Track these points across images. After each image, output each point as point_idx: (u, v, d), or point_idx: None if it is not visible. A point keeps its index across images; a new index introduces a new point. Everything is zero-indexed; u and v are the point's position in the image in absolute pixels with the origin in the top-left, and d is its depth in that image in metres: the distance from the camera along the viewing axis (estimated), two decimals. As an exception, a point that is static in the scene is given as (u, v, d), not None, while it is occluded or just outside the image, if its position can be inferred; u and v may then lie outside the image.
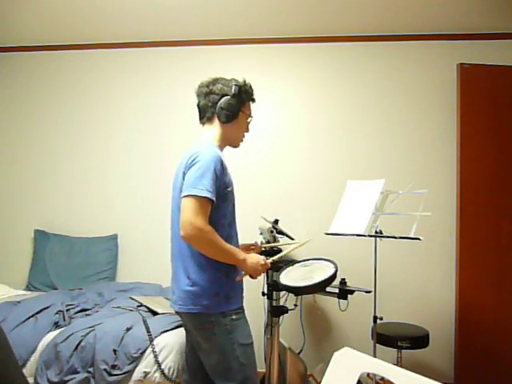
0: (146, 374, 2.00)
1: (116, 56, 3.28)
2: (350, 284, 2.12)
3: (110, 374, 1.97)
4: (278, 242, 2.36)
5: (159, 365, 2.00)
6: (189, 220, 1.48)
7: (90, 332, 2.09)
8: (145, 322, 2.15)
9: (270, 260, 1.73)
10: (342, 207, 2.33)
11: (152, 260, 3.05)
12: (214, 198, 1.53)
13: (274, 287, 2.08)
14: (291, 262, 2.07)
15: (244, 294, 1.73)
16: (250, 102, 1.80)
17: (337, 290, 2.10)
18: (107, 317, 2.24)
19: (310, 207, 3.04)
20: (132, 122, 3.24)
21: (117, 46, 3.26)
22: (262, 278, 2.22)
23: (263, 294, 2.18)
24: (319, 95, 3.13)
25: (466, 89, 2.86)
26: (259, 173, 3.12)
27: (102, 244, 3.11)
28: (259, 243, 1.94)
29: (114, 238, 3.15)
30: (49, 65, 3.33)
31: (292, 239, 2.27)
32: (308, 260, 2.05)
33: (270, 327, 2.19)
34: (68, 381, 1.98)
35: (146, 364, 2.01)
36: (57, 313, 2.31)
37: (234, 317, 1.61)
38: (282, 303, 2.22)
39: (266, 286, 2.15)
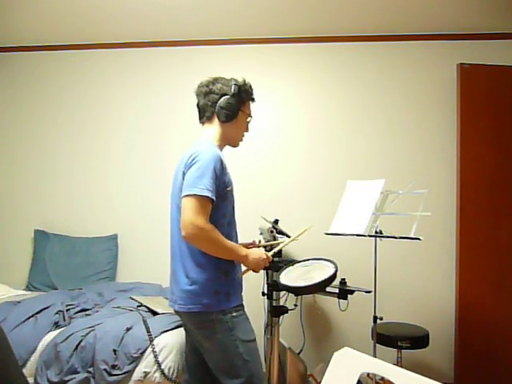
0: (146, 374, 2.00)
1: (116, 56, 3.29)
2: (350, 284, 2.11)
3: (110, 374, 1.97)
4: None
5: (159, 365, 2.00)
6: (190, 219, 1.48)
7: (90, 332, 2.09)
8: (145, 322, 2.15)
9: (271, 253, 1.74)
10: (342, 207, 2.33)
11: (152, 260, 3.05)
12: (214, 197, 1.53)
13: (273, 287, 2.07)
14: (291, 262, 2.07)
15: (244, 294, 1.73)
16: (250, 102, 1.80)
17: (337, 290, 2.09)
18: (107, 317, 2.24)
19: (310, 207, 3.04)
20: (132, 122, 3.25)
21: (117, 46, 3.26)
22: (262, 278, 2.23)
23: (263, 294, 2.17)
24: (319, 95, 3.13)
25: (465, 89, 2.86)
26: (259, 173, 3.12)
27: (102, 244, 3.11)
28: (257, 242, 1.94)
29: (114, 238, 3.15)
30: (49, 65, 3.33)
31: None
32: (308, 260, 2.05)
33: (270, 327, 2.18)
34: (68, 381, 1.98)
35: (146, 364, 2.01)
36: (57, 313, 2.31)
37: (234, 314, 1.61)
38: (281, 303, 2.21)
39: (265, 286, 2.14)
